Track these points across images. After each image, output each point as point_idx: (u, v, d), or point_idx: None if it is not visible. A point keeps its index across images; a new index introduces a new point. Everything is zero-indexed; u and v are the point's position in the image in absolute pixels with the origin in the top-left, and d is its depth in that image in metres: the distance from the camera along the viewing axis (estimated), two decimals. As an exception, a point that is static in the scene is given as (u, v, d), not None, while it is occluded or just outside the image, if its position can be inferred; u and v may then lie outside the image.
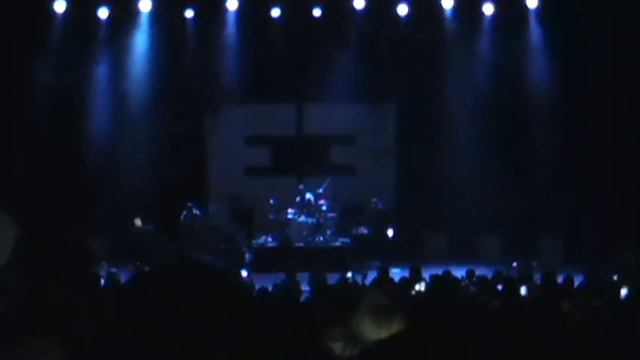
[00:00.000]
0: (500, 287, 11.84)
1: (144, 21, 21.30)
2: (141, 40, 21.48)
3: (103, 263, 15.96)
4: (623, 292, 11.73)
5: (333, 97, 21.47)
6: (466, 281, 13.55)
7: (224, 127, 22.46)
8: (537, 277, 13.41)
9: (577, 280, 12.93)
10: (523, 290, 11.51)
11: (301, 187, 20.75)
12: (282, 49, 21.63)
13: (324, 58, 21.50)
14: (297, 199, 20.55)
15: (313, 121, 22.43)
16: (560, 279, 12.95)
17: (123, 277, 14.82)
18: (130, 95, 21.66)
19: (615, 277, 13.20)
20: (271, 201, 20.67)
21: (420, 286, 12.18)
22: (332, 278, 14.78)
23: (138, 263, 15.53)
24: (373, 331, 3.73)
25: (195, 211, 20.34)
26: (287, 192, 21.08)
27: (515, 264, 15.37)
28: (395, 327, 3.70)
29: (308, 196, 20.39)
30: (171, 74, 21.58)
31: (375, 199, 20.87)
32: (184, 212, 20.26)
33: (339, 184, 21.10)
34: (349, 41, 21.35)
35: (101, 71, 21.48)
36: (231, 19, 21.44)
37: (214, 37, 21.65)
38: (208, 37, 21.67)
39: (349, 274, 14.83)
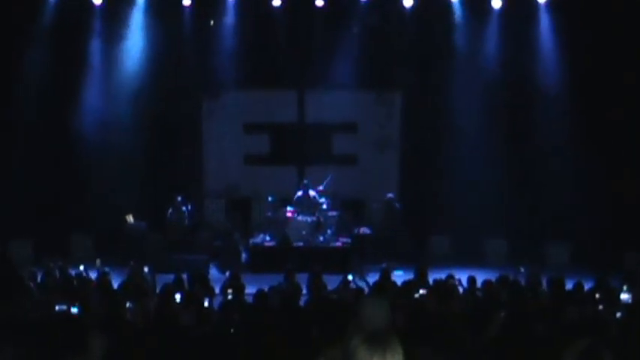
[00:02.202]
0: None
1: (140, 8, 20.63)
2: (136, 27, 20.73)
3: (98, 260, 15.39)
4: (624, 296, 11.46)
5: (335, 84, 20.88)
6: (467, 288, 13.15)
7: (222, 114, 21.80)
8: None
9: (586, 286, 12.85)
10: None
11: (305, 181, 20.06)
12: (283, 35, 20.97)
13: (326, 44, 20.90)
14: (300, 192, 19.83)
15: (315, 109, 21.72)
16: (569, 285, 12.70)
17: (116, 277, 14.28)
18: (125, 83, 20.84)
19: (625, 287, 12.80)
20: (269, 199, 20.04)
21: (424, 292, 11.77)
22: (332, 280, 14.31)
23: (132, 262, 14.77)
24: (367, 358, 3.84)
25: (183, 207, 19.71)
26: (286, 183, 20.58)
27: (522, 269, 14.88)
28: (389, 355, 3.83)
29: (311, 192, 19.71)
30: (167, 61, 20.83)
31: (390, 194, 20.29)
32: (170, 209, 19.64)
33: (340, 175, 20.42)
34: (353, 30, 20.72)
35: (95, 58, 20.77)
36: (230, 8, 20.79)
37: (212, 24, 20.96)
38: (206, 25, 20.97)
39: (350, 277, 14.23)
